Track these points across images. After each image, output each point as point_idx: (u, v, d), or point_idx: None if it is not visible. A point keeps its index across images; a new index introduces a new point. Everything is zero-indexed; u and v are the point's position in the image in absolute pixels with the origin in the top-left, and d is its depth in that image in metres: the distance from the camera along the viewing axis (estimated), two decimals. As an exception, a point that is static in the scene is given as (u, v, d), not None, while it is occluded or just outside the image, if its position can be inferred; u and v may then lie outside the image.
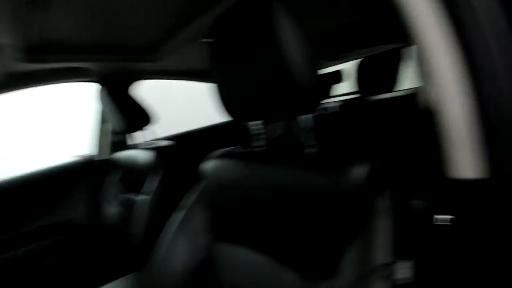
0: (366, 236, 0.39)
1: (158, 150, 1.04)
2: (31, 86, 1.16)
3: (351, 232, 0.40)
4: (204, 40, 1.07)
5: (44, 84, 1.18)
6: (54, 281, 1.21)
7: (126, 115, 1.06)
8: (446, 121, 0.29)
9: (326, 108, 1.79)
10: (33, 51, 0.94)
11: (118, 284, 0.83)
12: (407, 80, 1.49)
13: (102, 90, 1.08)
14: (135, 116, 1.09)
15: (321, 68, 2.24)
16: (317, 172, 0.44)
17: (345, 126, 1.49)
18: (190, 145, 1.69)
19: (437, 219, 0.31)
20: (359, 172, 0.40)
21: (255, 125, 0.64)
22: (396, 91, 1.45)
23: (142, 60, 1.24)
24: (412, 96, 1.32)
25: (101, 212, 1.24)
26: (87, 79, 1.29)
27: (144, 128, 1.15)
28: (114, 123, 1.12)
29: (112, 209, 1.23)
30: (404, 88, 1.48)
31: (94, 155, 1.44)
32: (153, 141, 1.17)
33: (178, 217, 0.67)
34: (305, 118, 0.55)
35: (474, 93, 0.26)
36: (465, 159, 0.27)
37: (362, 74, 1.49)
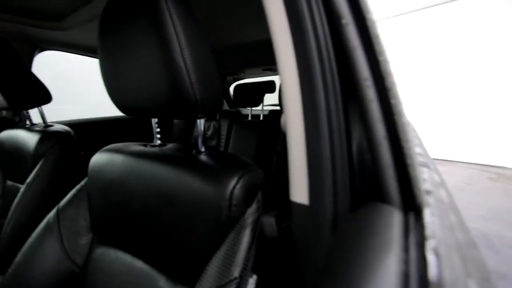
0: (228, 248, 0.39)
1: (50, 135, 0.89)
2: None
3: (218, 242, 0.40)
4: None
5: None
6: None
7: (10, 88, 0.88)
8: (288, 147, 0.31)
9: (247, 115, 1.85)
10: None
11: None
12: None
13: None
14: (25, 90, 0.91)
15: (256, 76, 2.32)
16: (200, 179, 0.43)
17: (264, 135, 1.57)
18: (89, 134, 1.52)
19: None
20: (232, 183, 0.40)
21: (155, 122, 0.61)
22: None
23: (46, 26, 1.06)
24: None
25: None
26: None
27: (38, 107, 0.97)
28: None
29: None
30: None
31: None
32: (46, 124, 1.00)
33: (54, 214, 0.58)
34: (199, 123, 0.54)
35: (305, 136, 0.28)
36: (297, 186, 0.30)
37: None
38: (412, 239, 0.21)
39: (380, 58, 0.26)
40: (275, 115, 1.67)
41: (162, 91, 0.43)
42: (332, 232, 0.26)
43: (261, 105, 1.78)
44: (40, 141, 0.86)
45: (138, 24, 0.41)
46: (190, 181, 0.43)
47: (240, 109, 2.33)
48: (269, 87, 1.76)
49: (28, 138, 0.90)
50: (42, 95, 0.95)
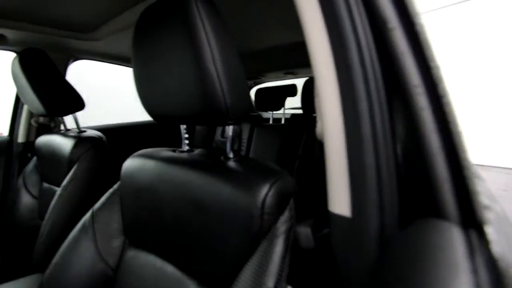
0: (261, 257, 0.38)
1: (84, 140, 0.94)
2: None
3: (250, 251, 0.40)
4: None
5: None
6: None
7: (49, 97, 0.93)
8: (327, 156, 0.30)
9: (268, 119, 1.84)
10: None
11: (15, 285, 0.72)
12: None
13: (17, 64, 0.93)
14: (61, 98, 0.97)
15: (278, 80, 2.31)
16: (231, 187, 0.43)
17: (286, 139, 1.56)
18: (119, 139, 1.59)
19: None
20: (264, 191, 0.40)
21: (183, 128, 0.62)
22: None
23: (79, 37, 1.12)
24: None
25: (17, 200, 1.08)
26: (11, 49, 1.12)
27: (73, 113, 1.02)
28: (32, 103, 0.97)
29: (28, 199, 1.08)
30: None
31: (14, 137, 1.27)
32: (80, 130, 1.05)
33: (89, 217, 0.60)
34: (228, 129, 0.54)
35: (347, 142, 0.27)
36: (336, 197, 0.29)
37: (306, 92, 1.57)
38: (480, 260, 0.19)
39: (432, 64, 0.24)
40: (297, 119, 1.66)
41: (193, 99, 0.44)
42: (378, 248, 0.25)
43: (282, 108, 1.78)
44: (75, 146, 0.90)
45: (171, 33, 0.42)
46: (220, 188, 0.43)
47: (261, 112, 2.34)
48: (291, 90, 1.75)
49: (64, 143, 0.95)
50: (76, 102, 1.00)
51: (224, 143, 1.89)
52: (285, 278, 0.36)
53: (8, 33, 1.03)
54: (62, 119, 1.13)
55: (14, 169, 1.26)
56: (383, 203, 0.25)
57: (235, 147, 1.88)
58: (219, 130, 1.95)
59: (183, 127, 0.62)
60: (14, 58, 0.94)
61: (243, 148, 1.80)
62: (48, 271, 0.58)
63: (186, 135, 0.62)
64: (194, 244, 0.46)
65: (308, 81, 1.54)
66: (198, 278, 0.46)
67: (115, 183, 0.65)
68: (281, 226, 0.39)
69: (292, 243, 0.39)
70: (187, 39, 0.40)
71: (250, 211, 0.39)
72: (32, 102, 0.94)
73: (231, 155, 0.52)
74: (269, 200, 0.39)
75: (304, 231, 0.37)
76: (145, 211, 0.56)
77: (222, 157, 0.53)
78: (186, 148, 0.62)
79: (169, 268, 0.51)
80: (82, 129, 1.05)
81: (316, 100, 0.32)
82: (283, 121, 1.69)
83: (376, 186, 0.25)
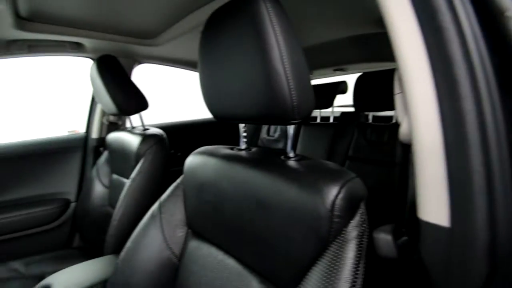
0: (331, 261, 0.37)
1: (149, 137, 1.03)
2: (30, 55, 1.14)
3: (317, 255, 0.39)
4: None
5: (43, 55, 1.17)
6: (33, 250, 1.22)
7: (120, 97, 1.05)
8: (418, 159, 0.28)
9: (315, 117, 1.78)
10: (26, 19, 0.92)
11: (93, 264, 0.81)
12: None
13: (95, 68, 1.06)
14: (130, 99, 1.08)
15: (326, 77, 2.24)
16: (295, 186, 0.43)
17: (335, 138, 1.50)
18: (179, 136, 1.70)
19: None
20: (333, 192, 0.39)
21: (242, 127, 0.64)
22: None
23: (144, 43, 1.23)
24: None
25: (91, 189, 1.24)
26: (84, 55, 1.28)
27: (138, 113, 1.13)
28: (106, 104, 1.10)
29: (100, 188, 1.23)
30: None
31: (89, 133, 1.45)
32: (144, 127, 1.16)
33: (157, 207, 0.66)
34: (289, 128, 0.54)
35: (444, 138, 0.25)
36: (429, 204, 0.26)
37: (360, 89, 1.48)
38: None
39: None
40: (348, 118, 1.58)
41: (258, 98, 0.44)
42: (489, 265, 0.22)
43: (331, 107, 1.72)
44: (142, 143, 1.00)
45: (240, 34, 0.44)
46: (284, 188, 0.44)
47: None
48: (341, 88, 1.68)
49: (131, 140, 1.05)
50: (142, 102, 1.10)
51: (270, 141, 1.90)
52: (361, 286, 0.34)
53: (85, 42, 1.18)
54: (129, 117, 1.26)
55: (89, 161, 1.44)
56: (494, 214, 0.22)
57: (281, 145, 1.88)
58: (264, 128, 1.97)
59: (241, 125, 0.64)
60: (92, 64, 1.08)
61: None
62: (122, 254, 0.65)
63: (244, 134, 0.64)
64: (257, 241, 0.47)
65: (361, 77, 1.46)
66: (261, 274, 0.47)
67: (173, 176, 0.70)
68: (353, 230, 0.37)
69: (366, 250, 0.37)
70: (256, 39, 0.41)
71: (318, 212, 0.38)
72: (106, 102, 1.06)
73: (291, 154, 0.52)
74: (339, 202, 0.38)
75: (384, 237, 0.35)
76: (207, 205, 0.59)
77: (282, 156, 0.53)
78: (244, 146, 0.64)
79: (230, 262, 0.53)
80: (146, 127, 1.15)
81: (398, 97, 0.30)
82: (331, 120, 1.63)
83: (485, 195, 0.22)
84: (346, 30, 1.14)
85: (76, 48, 1.19)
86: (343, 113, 1.60)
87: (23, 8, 0.82)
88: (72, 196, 1.39)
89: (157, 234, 0.64)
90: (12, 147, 1.28)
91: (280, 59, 0.40)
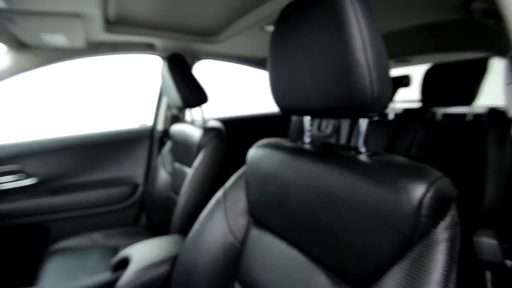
0: (417, 262, 0.35)
1: (209, 129, 1.10)
2: (109, 54, 1.31)
3: (398, 254, 0.37)
4: (267, 27, 1.08)
5: (124, 54, 1.34)
6: (109, 224, 1.43)
7: (185, 92, 1.14)
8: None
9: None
10: (112, 23, 1.05)
11: (163, 241, 0.90)
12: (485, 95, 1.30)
13: (165, 66, 1.17)
14: (193, 93, 1.16)
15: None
16: (371, 182, 0.42)
17: (395, 136, 1.39)
18: (236, 129, 1.77)
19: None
20: (421, 190, 0.36)
21: (307, 121, 0.64)
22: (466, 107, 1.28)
23: (205, 41, 1.31)
24: (495, 116, 1.15)
25: (156, 175, 1.38)
26: (155, 54, 1.42)
27: (200, 106, 1.21)
28: (173, 98, 1.21)
29: (164, 175, 1.37)
30: (483, 105, 1.29)
31: (156, 125, 1.62)
32: (205, 120, 1.24)
33: (222, 195, 0.71)
34: (363, 122, 0.52)
35: None
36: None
37: (430, 82, 1.34)
38: None
39: None
40: (411, 114, 1.45)
41: (334, 91, 0.44)
42: None
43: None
44: (203, 134, 1.07)
45: (318, 26, 0.44)
46: (360, 183, 0.43)
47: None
48: (403, 81, 1.55)
49: (194, 131, 1.14)
50: (203, 96, 1.18)
51: (322, 137, 1.86)
52: None
53: (156, 42, 1.30)
54: (190, 111, 1.36)
55: (155, 150, 1.60)
56: None
57: (333, 142, 1.82)
58: (314, 124, 1.93)
59: (306, 120, 0.64)
60: (163, 62, 1.19)
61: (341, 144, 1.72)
62: (190, 234, 0.72)
63: (309, 128, 0.64)
64: (326, 234, 0.47)
65: (432, 69, 1.32)
66: (329, 268, 0.47)
67: (235, 168, 0.73)
68: (443, 232, 0.35)
69: (459, 254, 0.34)
70: (337, 30, 0.41)
71: (401, 210, 0.37)
72: (173, 96, 1.16)
73: (363, 150, 0.51)
74: (428, 201, 0.36)
75: (489, 242, 0.32)
76: (270, 195, 0.61)
77: (352, 151, 0.52)
78: (308, 140, 0.64)
79: (294, 252, 0.55)
80: (206, 120, 1.23)
81: (509, 88, 0.27)
82: (391, 116, 1.52)
83: None
84: (416, 18, 1.05)
85: (149, 48, 1.33)
86: (406, 110, 1.48)
87: (111, 13, 0.94)
88: (140, 180, 1.56)
89: (221, 220, 0.68)
90: (95, 136, 1.49)
91: (362, 49, 0.40)
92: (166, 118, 1.61)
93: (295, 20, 0.48)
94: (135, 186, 1.54)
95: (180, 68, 1.15)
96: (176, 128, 1.34)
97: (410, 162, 0.43)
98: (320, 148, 0.58)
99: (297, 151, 0.58)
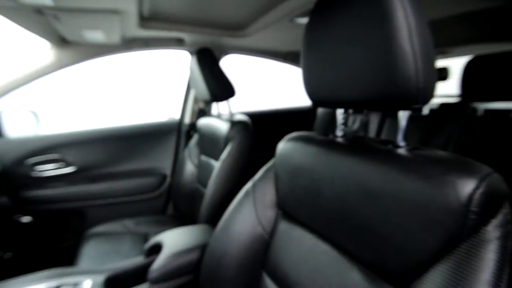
0: (465, 260, 0.33)
1: (237, 123, 1.11)
2: (141, 50, 1.36)
3: (442, 251, 0.36)
4: (298, 19, 1.06)
5: (155, 49, 1.38)
6: (139, 212, 1.51)
7: (214, 86, 1.16)
8: None
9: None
10: (146, 19, 1.09)
11: (192, 230, 0.93)
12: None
13: (194, 60, 1.19)
14: (221, 87, 1.18)
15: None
16: (413, 176, 0.40)
17: (429, 134, 1.31)
18: (260, 124, 1.78)
19: None
20: (470, 186, 0.34)
21: (340, 114, 0.63)
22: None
23: (233, 35, 1.31)
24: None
25: (183, 167, 1.43)
26: (184, 49, 1.45)
27: (227, 100, 1.23)
28: (201, 92, 1.23)
29: (191, 167, 1.41)
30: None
31: (183, 119, 1.67)
32: (232, 114, 1.25)
33: (251, 186, 0.71)
34: (403, 115, 0.50)
35: None
36: None
37: (471, 75, 1.25)
38: None
39: None
40: (448, 110, 1.37)
41: (374, 82, 0.43)
42: None
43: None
44: (231, 128, 1.09)
45: (359, 15, 0.42)
46: (401, 178, 0.41)
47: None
48: (441, 74, 1.46)
49: (221, 125, 1.16)
50: (231, 90, 1.19)
51: (348, 133, 1.81)
52: None
53: (186, 37, 1.33)
54: (217, 104, 1.38)
55: (182, 143, 1.65)
56: None
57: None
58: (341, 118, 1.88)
59: (339, 112, 0.63)
60: (192, 56, 1.21)
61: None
62: (220, 224, 0.73)
63: (343, 121, 0.63)
64: (361, 229, 0.46)
65: (474, 61, 1.23)
66: (364, 264, 0.46)
67: (262, 161, 0.73)
68: (494, 230, 0.33)
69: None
70: (383, 17, 0.39)
71: (448, 206, 0.35)
72: (202, 90, 1.19)
73: (402, 144, 0.49)
74: (478, 197, 0.34)
75: None
76: (301, 189, 0.60)
77: (389, 145, 0.50)
78: (341, 133, 0.62)
79: (324, 247, 0.54)
80: (233, 113, 1.24)
81: None
82: (426, 111, 1.44)
83: None
84: (458, 6, 0.98)
85: (178, 43, 1.36)
86: (443, 104, 1.39)
87: (145, 9, 0.98)
88: (168, 172, 1.62)
89: (250, 211, 0.69)
90: (127, 129, 1.57)
91: (408, 38, 0.38)
92: (193, 112, 1.65)
93: (333, 9, 0.47)
94: (163, 177, 1.60)
95: (208, 62, 1.17)
96: (203, 121, 1.37)
97: (456, 156, 0.41)
98: (354, 141, 0.57)
99: (330, 145, 0.57)
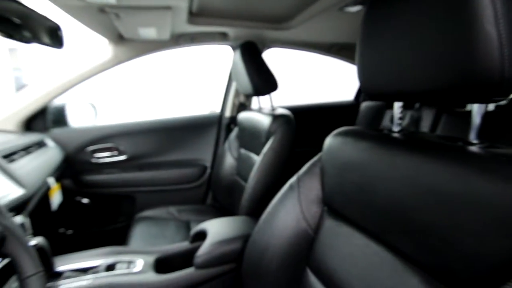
0: None
1: (279, 117, 1.11)
2: (188, 45, 1.42)
3: None
4: (348, 8, 1.01)
5: (200, 44, 1.43)
6: (182, 201, 1.59)
7: (257, 79, 1.16)
8: None
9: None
10: (195, 15, 1.13)
11: (234, 220, 0.94)
12: None
13: (238, 54, 1.20)
14: (264, 81, 1.17)
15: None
16: (492, 178, 0.35)
17: (502, 131, 1.16)
18: (303, 118, 1.75)
19: None
20: None
21: (398, 108, 0.58)
22: None
23: (277, 27, 1.30)
24: None
25: (223, 159, 1.47)
26: (227, 43, 1.48)
27: (269, 94, 1.22)
28: (244, 85, 1.24)
29: (230, 160, 1.45)
30: None
31: (223, 112, 1.71)
32: (273, 108, 1.24)
33: (295, 180, 0.70)
34: (478, 108, 0.45)
35: None
36: None
37: None
38: None
39: None
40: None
41: (450, 70, 0.38)
42: None
43: None
44: (273, 121, 1.08)
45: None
46: (478, 178, 0.37)
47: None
48: None
49: (262, 119, 1.16)
50: (274, 84, 1.18)
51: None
52: None
53: (229, 31, 1.35)
54: (257, 98, 1.38)
55: (222, 136, 1.69)
56: None
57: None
58: (387, 115, 1.76)
59: (397, 106, 0.58)
60: (236, 50, 1.23)
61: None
62: (263, 216, 0.74)
63: (400, 115, 0.58)
64: (424, 232, 0.43)
65: None
66: (426, 269, 0.43)
67: (306, 156, 0.71)
68: None
69: None
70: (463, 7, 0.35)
71: None
72: (245, 84, 1.20)
73: (475, 141, 0.44)
74: None
75: None
76: (351, 186, 0.58)
77: (459, 142, 0.45)
78: (398, 128, 0.58)
79: (377, 248, 0.51)
80: (274, 107, 1.24)
81: None
82: (491, 107, 1.28)
83: None
84: None
85: (222, 37, 1.39)
86: None
87: (195, 4, 1.01)
88: (208, 163, 1.68)
89: (294, 205, 0.68)
90: (172, 121, 1.66)
91: (494, 20, 0.33)
92: (233, 106, 1.68)
93: None
94: (204, 168, 1.67)
95: (253, 55, 1.17)
96: (244, 115, 1.38)
97: None
98: (415, 138, 0.52)
99: (386, 140, 0.54)
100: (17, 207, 0.84)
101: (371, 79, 0.52)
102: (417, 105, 1.63)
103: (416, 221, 0.44)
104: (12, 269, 0.55)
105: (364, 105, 1.90)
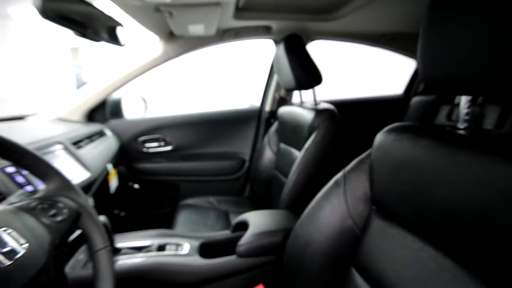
0: None
1: (322, 112, 1.08)
2: (232, 41, 1.44)
3: None
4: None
5: (243, 39, 1.45)
6: (221, 191, 1.66)
7: (300, 73, 1.14)
8: None
9: None
10: (241, 10, 1.14)
11: (274, 213, 0.96)
12: None
13: (281, 47, 1.19)
14: (308, 75, 1.15)
15: None
16: None
17: None
18: (347, 113, 1.68)
19: None
20: None
21: (465, 102, 0.53)
22: None
23: (322, 19, 1.26)
24: None
25: (262, 153, 1.49)
26: (271, 37, 1.47)
27: (312, 88, 1.19)
28: (286, 79, 1.23)
29: (269, 154, 1.46)
30: None
31: (263, 107, 1.73)
32: (316, 102, 1.22)
33: (341, 177, 0.69)
34: None
35: None
36: None
37: None
38: None
39: None
40: None
41: None
42: None
43: None
44: (316, 116, 1.06)
45: None
46: None
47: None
48: None
49: (305, 113, 1.14)
50: (318, 78, 1.15)
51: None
52: None
53: (273, 24, 1.34)
54: (299, 92, 1.36)
55: (261, 130, 1.71)
56: None
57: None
58: (443, 111, 1.61)
59: (464, 100, 0.53)
60: (279, 43, 1.22)
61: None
62: (306, 211, 0.73)
63: (467, 110, 0.53)
64: (497, 239, 0.39)
65: None
66: (493, 281, 0.39)
67: (351, 152, 0.68)
68: None
69: None
70: None
71: None
72: (287, 78, 1.18)
73: None
74: None
75: None
76: (405, 185, 0.54)
77: None
78: (464, 125, 0.53)
79: (432, 252, 0.48)
80: (318, 102, 1.21)
81: None
82: None
83: None
84: None
85: (266, 31, 1.39)
86: None
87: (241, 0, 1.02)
88: (247, 157, 1.71)
89: (340, 202, 0.66)
90: (214, 114, 1.72)
91: None
92: (273, 100, 1.68)
93: None
94: (243, 161, 1.70)
95: (297, 49, 1.15)
96: (285, 109, 1.37)
97: None
98: (484, 135, 0.47)
99: (451, 138, 0.49)
100: (84, 188, 0.96)
101: (436, 70, 0.48)
102: (479, 100, 1.45)
103: (483, 226, 0.40)
104: (80, 241, 0.62)
105: (415, 99, 1.75)
